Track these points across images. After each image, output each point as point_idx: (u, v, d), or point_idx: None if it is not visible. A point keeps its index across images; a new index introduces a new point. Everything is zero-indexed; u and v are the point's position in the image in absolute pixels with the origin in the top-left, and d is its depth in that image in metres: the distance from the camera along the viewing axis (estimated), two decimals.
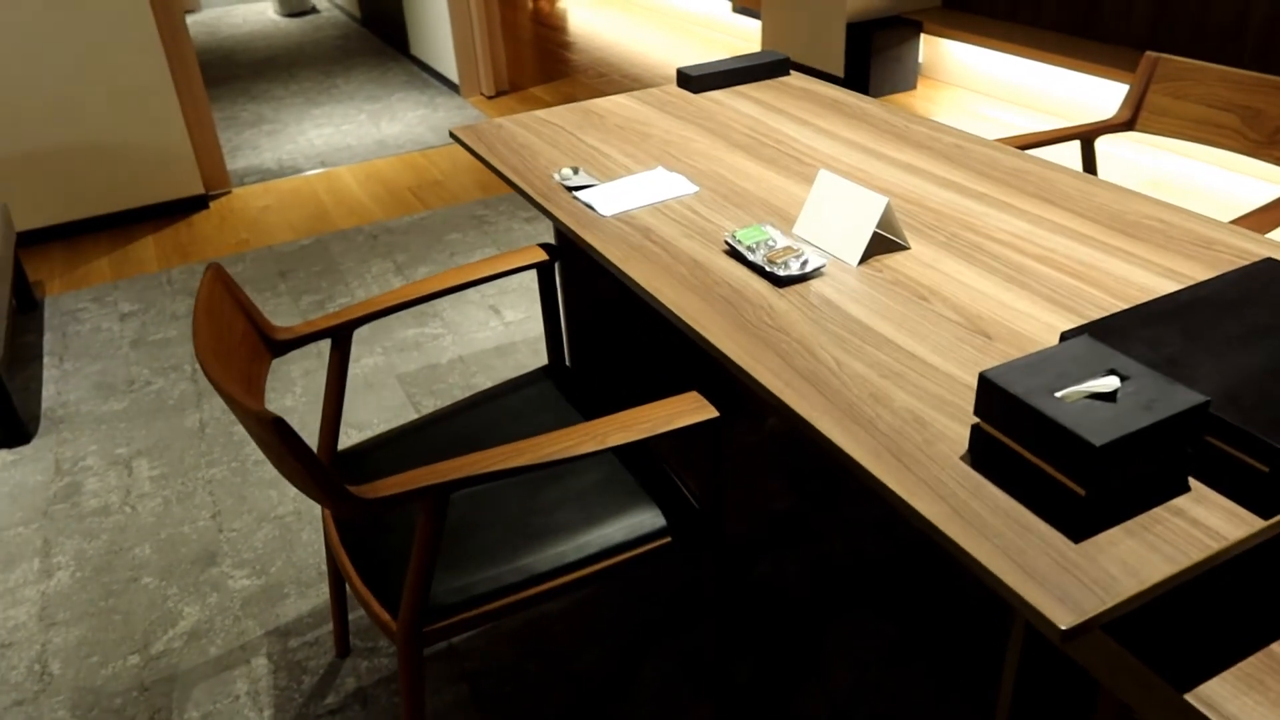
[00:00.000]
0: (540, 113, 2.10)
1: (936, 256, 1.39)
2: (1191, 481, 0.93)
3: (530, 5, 6.99)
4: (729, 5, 5.85)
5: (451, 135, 2.02)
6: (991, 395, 0.94)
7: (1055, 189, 1.58)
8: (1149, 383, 0.92)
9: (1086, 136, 2.06)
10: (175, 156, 3.62)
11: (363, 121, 4.63)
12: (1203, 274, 1.30)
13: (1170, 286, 1.27)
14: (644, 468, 1.46)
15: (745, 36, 5.68)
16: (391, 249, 3.32)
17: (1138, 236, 1.41)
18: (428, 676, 1.71)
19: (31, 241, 3.51)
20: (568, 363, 1.96)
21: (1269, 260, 1.18)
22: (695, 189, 1.67)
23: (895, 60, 4.45)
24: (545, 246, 1.69)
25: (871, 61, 4.39)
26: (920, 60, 4.69)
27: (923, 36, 4.61)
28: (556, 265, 2.08)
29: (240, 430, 2.42)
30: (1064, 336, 1.07)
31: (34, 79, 3.30)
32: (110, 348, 2.83)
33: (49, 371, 2.73)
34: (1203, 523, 0.88)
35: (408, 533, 1.37)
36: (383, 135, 4.43)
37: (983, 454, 0.97)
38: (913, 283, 1.33)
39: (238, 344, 1.36)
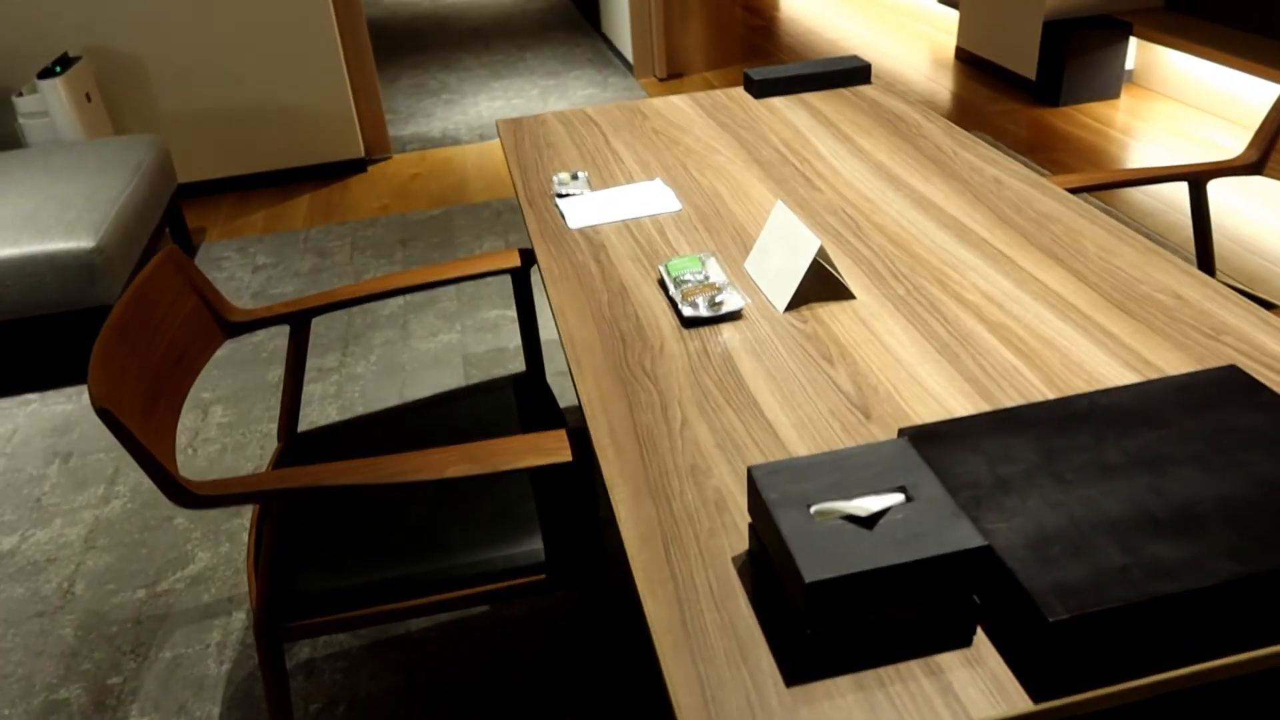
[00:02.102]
0: (591, 109, 2.05)
1: (878, 311, 1.23)
2: (981, 637, 0.77)
3: None
4: None
5: (497, 126, 2.01)
6: (752, 495, 0.82)
7: (1073, 244, 1.35)
8: (930, 511, 0.77)
9: (1195, 178, 1.75)
10: (339, 120, 3.85)
11: (533, 97, 4.73)
12: (1184, 369, 1.07)
13: (1130, 380, 1.06)
14: (560, 497, 1.40)
15: (948, 29, 5.30)
16: (509, 227, 3.38)
17: (1133, 314, 1.18)
18: (367, 661, 1.74)
19: (203, 192, 3.86)
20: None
21: (1231, 369, 0.95)
22: (678, 207, 1.57)
23: (1097, 65, 4.00)
24: (524, 252, 1.65)
25: (1067, 65, 3.97)
26: (1129, 66, 4.19)
27: (1134, 40, 4.11)
28: (533, 271, 2.03)
29: (308, 390, 2.55)
30: (901, 434, 0.91)
31: (212, 42, 3.60)
32: (234, 296, 3.06)
33: None
34: (956, 693, 0.73)
35: (320, 525, 1.39)
36: (539, 110, 4.51)
37: (747, 561, 0.85)
38: (829, 340, 1.18)
39: (178, 322, 1.42)
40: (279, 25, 3.62)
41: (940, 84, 4.48)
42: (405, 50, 5.76)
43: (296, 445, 1.60)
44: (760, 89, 2.03)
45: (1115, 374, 1.07)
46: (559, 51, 5.48)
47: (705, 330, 1.22)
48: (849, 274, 1.32)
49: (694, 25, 5.86)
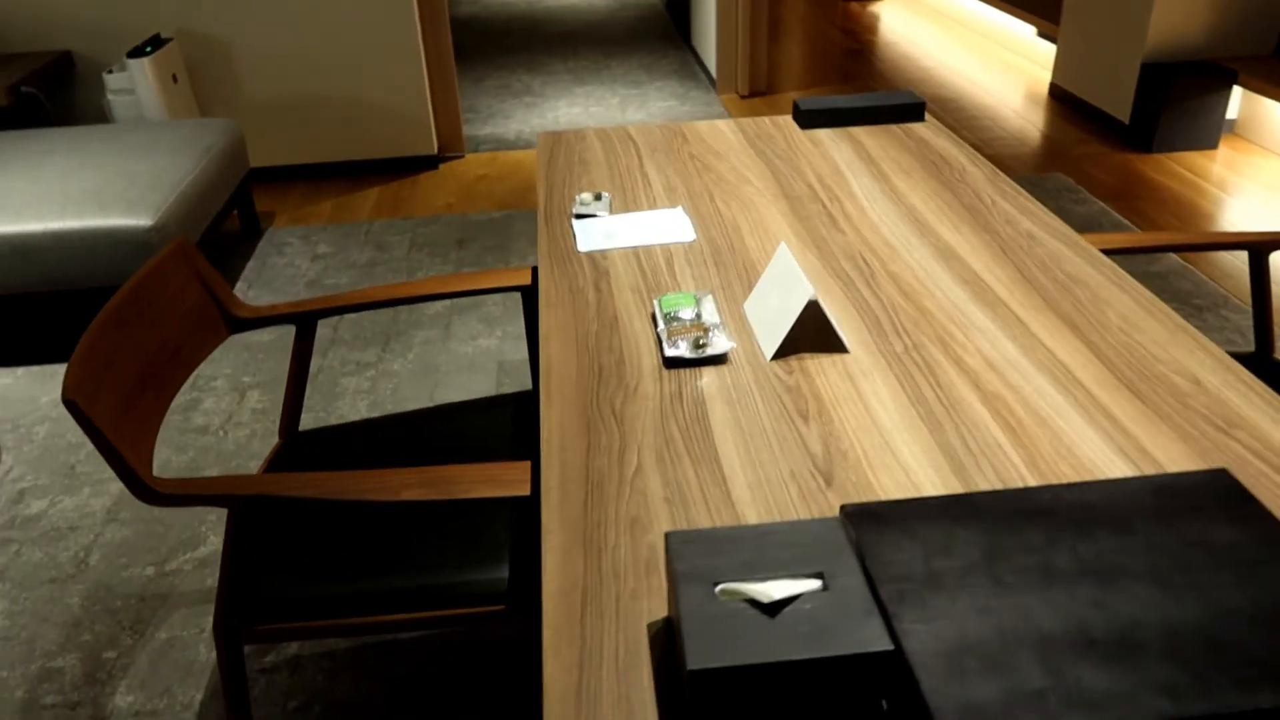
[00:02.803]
0: (633, 128, 2.02)
1: (869, 369, 1.17)
2: None
3: (841, 4, 6.76)
4: (1034, 30, 5.30)
5: (540, 139, 1.99)
6: (666, 563, 0.78)
7: (1096, 312, 1.27)
8: (842, 604, 0.71)
9: (1256, 248, 1.63)
10: (414, 117, 3.90)
11: (612, 105, 4.73)
12: (1183, 464, 0.99)
13: (1121, 471, 0.98)
14: (533, 526, 1.37)
15: (1045, 64, 5.12)
16: None
17: (1143, 396, 1.10)
18: (351, 665, 1.74)
19: (277, 177, 3.96)
20: None
21: (1221, 473, 0.87)
22: (692, 238, 1.53)
23: (1195, 112, 3.80)
24: (536, 270, 1.62)
25: (1164, 110, 3.78)
26: (1231, 116, 3.97)
27: (1238, 89, 3.90)
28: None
29: (343, 384, 2.58)
30: (842, 510, 0.86)
31: (298, 32, 3.69)
32: (290, 284, 3.12)
33: (236, 292, 3.07)
34: None
35: (286, 532, 1.39)
36: (623, 121, 4.50)
37: (662, 629, 0.81)
38: (810, 395, 1.12)
39: (181, 314, 1.44)
40: (363, 21, 3.69)
41: (1029, 121, 4.32)
42: (495, 50, 5.82)
43: (294, 443, 1.61)
44: (807, 119, 1.98)
45: (1105, 462, 0.99)
46: (645, 61, 5.47)
47: (686, 372, 1.18)
48: (849, 325, 1.26)
49: (786, 44, 5.79)
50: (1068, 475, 0.98)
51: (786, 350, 1.20)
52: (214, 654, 1.77)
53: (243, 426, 2.42)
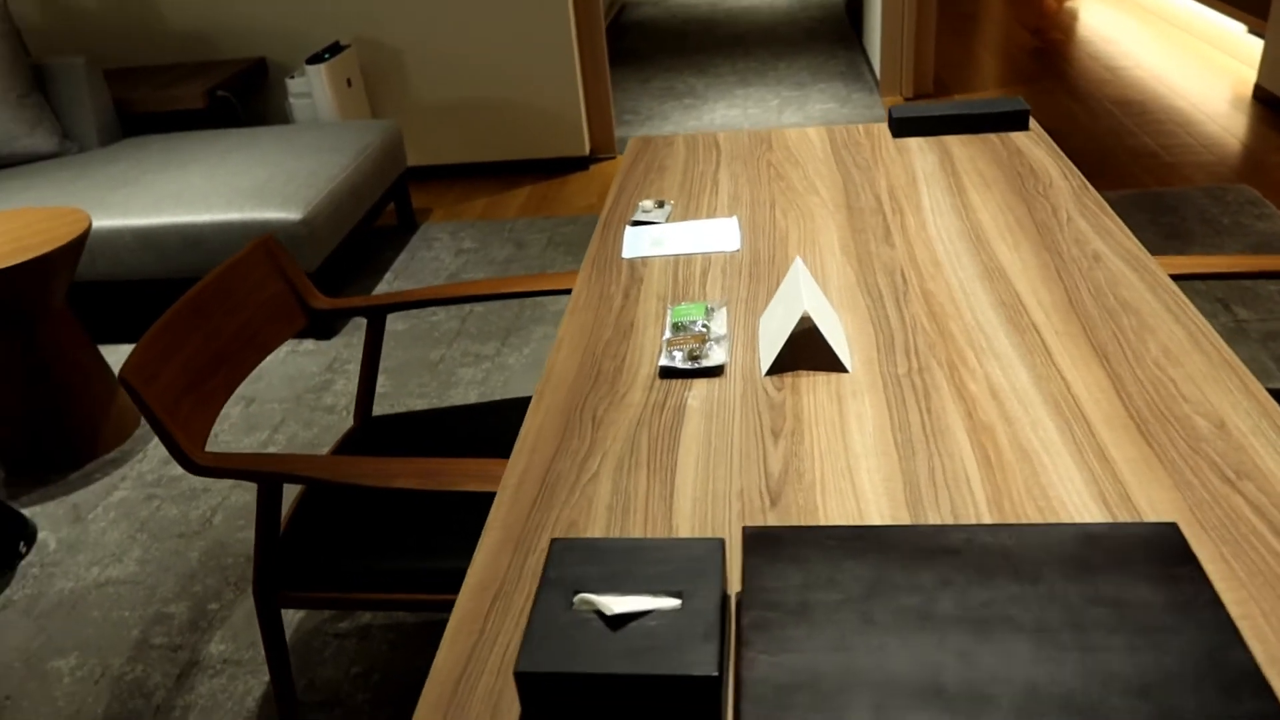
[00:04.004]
0: (722, 135, 2.03)
1: (863, 389, 1.14)
2: None
3: (1037, 2, 6.38)
4: (1244, 28, 4.81)
5: (629, 144, 2.04)
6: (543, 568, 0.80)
7: (1136, 342, 1.17)
8: (686, 626, 0.71)
9: None
10: (568, 119, 4.04)
11: (771, 107, 4.70)
12: (1167, 515, 0.91)
13: (1092, 517, 0.91)
14: None
15: (1255, 65, 4.64)
16: None
17: (1151, 437, 1.01)
18: (416, 639, 1.84)
19: (438, 175, 4.19)
20: None
21: (1170, 528, 0.80)
22: (735, 248, 1.52)
23: None
24: None
25: None
26: None
27: None
28: None
29: (459, 373, 2.72)
30: (743, 531, 0.84)
31: (462, 38, 3.89)
32: (432, 276, 3.32)
33: (382, 284, 3.29)
34: None
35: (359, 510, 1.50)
36: (778, 123, 4.46)
37: None
38: (791, 413, 1.11)
39: (260, 303, 1.58)
40: (522, 28, 3.85)
41: (1225, 127, 3.94)
42: (667, 53, 5.91)
43: (366, 427, 1.73)
44: (900, 127, 1.91)
45: (1078, 507, 0.93)
46: (813, 62, 5.39)
47: (677, 383, 1.19)
48: (861, 343, 1.23)
49: (965, 43, 5.54)
50: (1030, 517, 0.92)
51: (782, 366, 1.19)
52: (298, 615, 1.93)
53: None
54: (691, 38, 6.18)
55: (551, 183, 4.05)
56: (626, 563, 0.78)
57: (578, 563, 0.78)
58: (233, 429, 2.57)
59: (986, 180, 1.68)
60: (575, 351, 1.29)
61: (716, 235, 1.56)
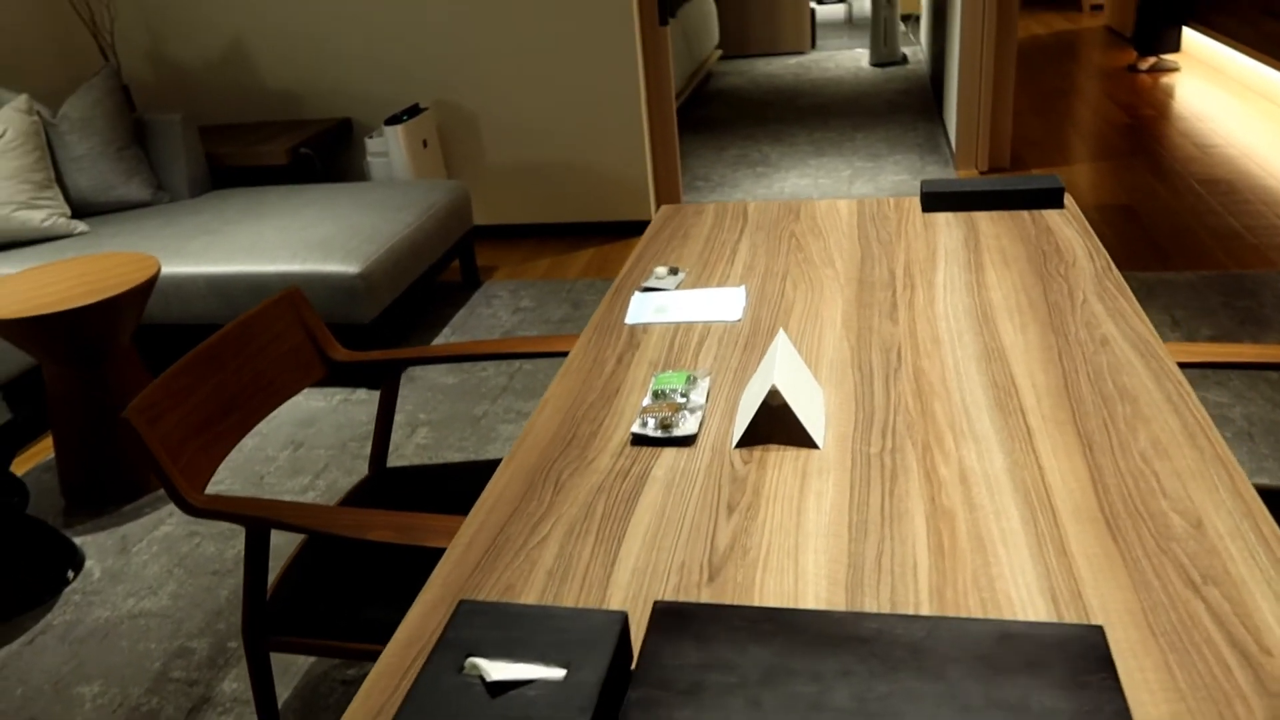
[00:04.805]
0: (752, 204, 2.04)
1: (829, 466, 1.11)
2: None
3: (1130, 76, 6.26)
4: None
5: (660, 211, 2.07)
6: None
7: (1126, 433, 1.12)
8: (563, 698, 0.70)
9: None
10: (634, 184, 4.11)
11: (842, 178, 4.69)
12: (1120, 617, 0.86)
13: (1037, 614, 0.87)
14: None
15: None
16: None
17: (1119, 533, 0.96)
18: None
19: (507, 234, 4.30)
20: None
21: (1094, 632, 0.76)
22: (737, 318, 1.52)
23: None
24: None
25: None
26: None
27: None
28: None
29: (499, 429, 2.76)
30: (654, 605, 0.83)
31: (534, 103, 4.02)
32: (488, 333, 3.39)
33: (439, 338, 3.38)
34: None
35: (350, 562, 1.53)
36: (841, 194, 4.45)
37: None
38: (752, 487, 1.09)
39: (280, 353, 1.64)
40: (594, 94, 3.95)
41: None
42: (748, 121, 5.97)
43: (378, 477, 1.76)
44: (929, 202, 1.89)
45: (1024, 603, 0.88)
46: (891, 133, 5.37)
47: (647, 451, 1.19)
48: (840, 418, 1.21)
49: (1049, 116, 5.46)
50: (972, 610, 0.88)
51: (753, 439, 1.17)
52: (308, 661, 1.96)
53: (404, 459, 2.66)
54: (773, 107, 6.24)
55: (615, 245, 4.11)
56: (527, 629, 0.77)
57: (480, 626, 0.78)
58: (278, 472, 2.65)
59: (1008, 258, 1.64)
60: (557, 414, 1.30)
61: (721, 304, 1.56)
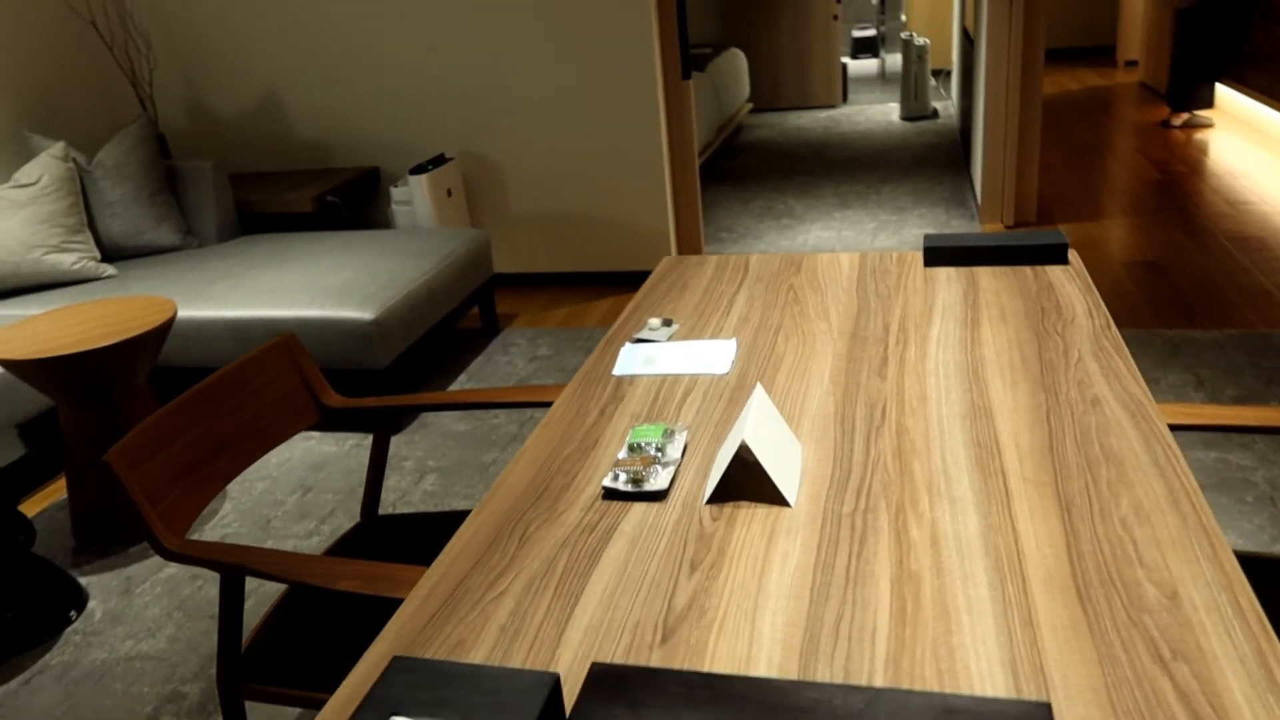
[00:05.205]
0: (754, 257, 2.03)
1: (799, 526, 1.09)
2: None
3: (1165, 131, 6.21)
4: None
5: (662, 263, 2.07)
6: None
7: (1109, 498, 1.08)
8: None
9: None
10: (655, 235, 4.13)
11: (865, 231, 4.68)
12: (1082, 692, 0.82)
13: (996, 688, 0.83)
14: None
15: None
16: None
17: (1089, 603, 0.92)
18: None
19: (530, 283, 4.33)
20: None
21: (1039, 708, 0.72)
22: (723, 372, 1.50)
23: None
24: None
25: None
26: None
27: None
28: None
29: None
30: (591, 667, 0.81)
31: (557, 154, 4.06)
32: (503, 380, 3.40)
33: (454, 385, 3.39)
34: None
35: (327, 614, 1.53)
36: (865, 247, 4.43)
37: None
38: (718, 546, 1.07)
39: (273, 398, 1.65)
40: (617, 146, 4.00)
41: None
42: (776, 172, 6.00)
43: (369, 525, 1.76)
44: (931, 256, 1.87)
45: (983, 675, 0.85)
46: (918, 187, 5.36)
47: (618, 505, 1.17)
48: (816, 476, 1.18)
49: (1079, 171, 5.42)
50: (928, 681, 0.85)
51: (725, 496, 1.15)
52: (297, 712, 1.94)
53: (410, 505, 2.66)
54: (801, 160, 6.27)
55: (634, 295, 4.12)
56: (455, 689, 0.76)
57: (409, 684, 0.76)
58: (285, 516, 2.66)
59: (1005, 314, 1.61)
60: (532, 465, 1.29)
61: (709, 357, 1.55)
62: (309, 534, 2.57)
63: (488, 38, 3.93)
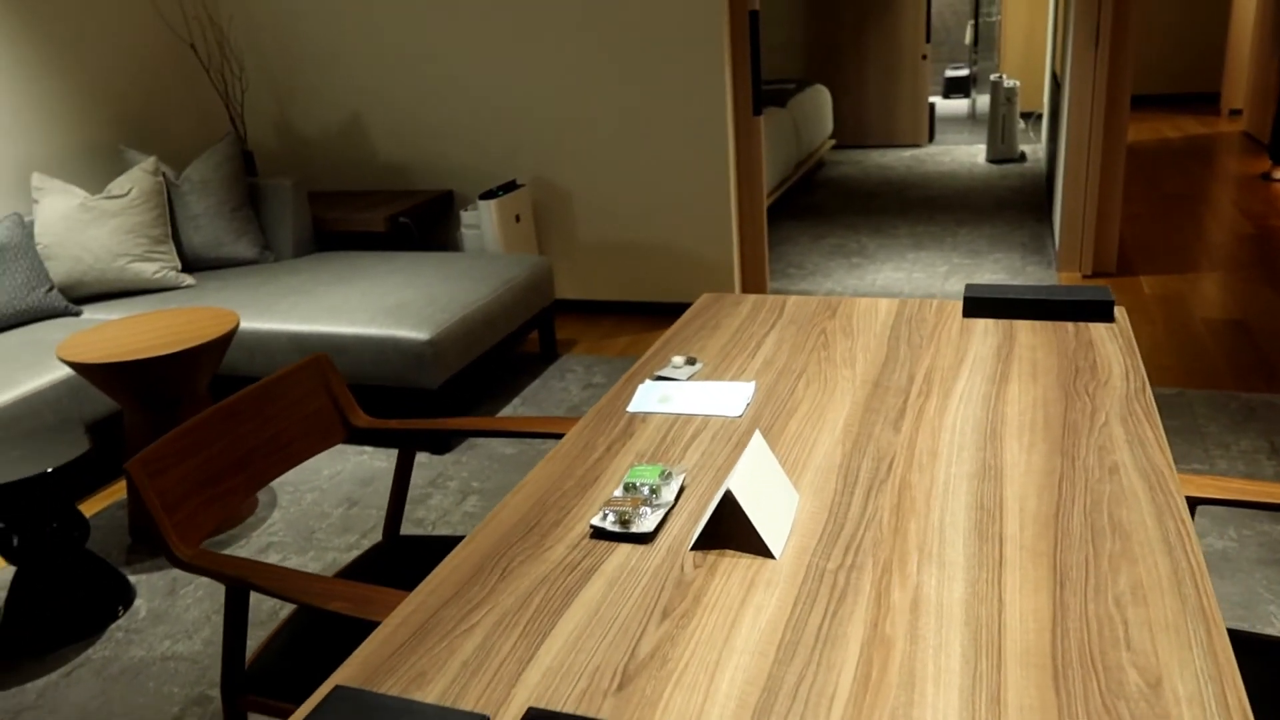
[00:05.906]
0: (792, 299, 2.01)
1: (779, 579, 1.07)
2: None
3: (1265, 184, 5.95)
4: None
5: (700, 299, 2.06)
6: None
7: (1108, 572, 1.04)
8: None
9: None
10: (720, 268, 4.12)
11: (938, 274, 4.59)
12: None
13: None
14: None
15: None
16: None
17: (1065, 686, 0.88)
18: None
19: (590, 310, 4.36)
20: None
21: None
22: (737, 414, 1.49)
23: None
24: None
25: None
26: None
27: None
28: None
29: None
30: (528, 712, 0.80)
31: (626, 184, 4.10)
32: (555, 407, 3.42)
33: (507, 409, 3.43)
34: None
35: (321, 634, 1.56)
36: (934, 290, 4.35)
37: None
38: (695, 593, 1.05)
39: (301, 416, 1.70)
40: (684, 177, 4.01)
41: None
42: (852, 210, 5.94)
43: (391, 544, 1.79)
44: (970, 307, 1.83)
45: None
46: (996, 231, 5.24)
47: (603, 545, 1.16)
48: (807, 528, 1.16)
49: (1166, 222, 5.22)
50: None
51: (711, 543, 1.14)
52: None
53: (449, 525, 2.69)
54: (878, 199, 6.19)
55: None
56: None
57: (343, 714, 0.77)
58: (329, 529, 2.72)
59: (1037, 371, 1.56)
60: (529, 499, 1.29)
61: (725, 399, 1.54)
62: (349, 548, 2.62)
63: (565, 70, 4.01)
